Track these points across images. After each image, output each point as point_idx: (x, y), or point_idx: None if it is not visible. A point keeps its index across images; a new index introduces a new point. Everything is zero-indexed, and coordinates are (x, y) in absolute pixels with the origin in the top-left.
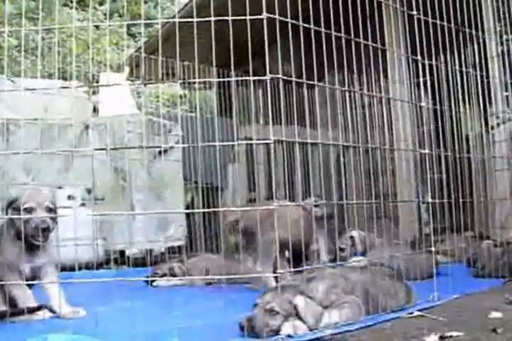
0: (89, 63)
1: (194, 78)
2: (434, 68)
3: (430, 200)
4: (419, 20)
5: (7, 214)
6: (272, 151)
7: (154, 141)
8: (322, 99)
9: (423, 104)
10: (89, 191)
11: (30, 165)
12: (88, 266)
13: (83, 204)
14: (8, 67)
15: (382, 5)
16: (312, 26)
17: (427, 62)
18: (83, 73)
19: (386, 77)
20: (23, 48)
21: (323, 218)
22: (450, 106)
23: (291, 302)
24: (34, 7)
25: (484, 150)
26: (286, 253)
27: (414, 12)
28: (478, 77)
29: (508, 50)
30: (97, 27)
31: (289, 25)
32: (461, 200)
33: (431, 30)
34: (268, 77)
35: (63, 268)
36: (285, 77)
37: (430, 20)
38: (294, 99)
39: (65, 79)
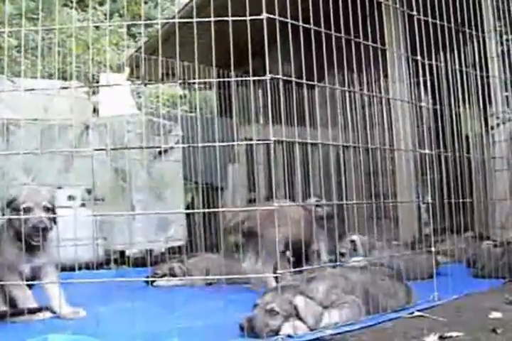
0: (89, 63)
1: (194, 78)
2: (434, 68)
3: (430, 200)
4: (419, 20)
5: (4, 214)
6: (272, 151)
7: (154, 141)
8: (322, 99)
9: (423, 103)
10: (89, 191)
11: (31, 166)
12: (88, 266)
13: (83, 205)
14: (8, 68)
15: (382, 5)
16: (312, 26)
17: (426, 61)
18: (83, 73)
19: (386, 76)
20: (23, 48)
21: (326, 218)
22: (450, 106)
23: (291, 302)
24: (34, 7)
25: (484, 151)
26: (287, 253)
27: (414, 12)
28: (478, 77)
29: (508, 50)
30: (97, 27)
31: (289, 25)
32: (461, 200)
33: (431, 30)
34: (268, 77)
35: (63, 269)
36: (285, 77)
37: (430, 20)
38: (294, 99)
39: (65, 79)
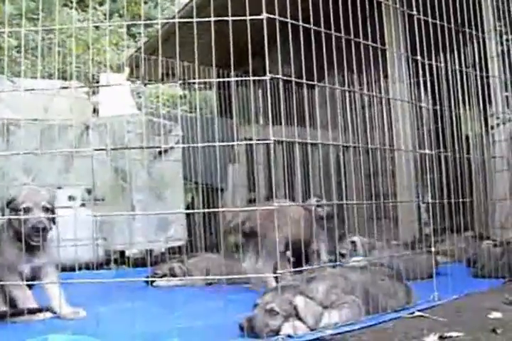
0: (89, 63)
1: (194, 78)
2: (434, 68)
3: (430, 200)
4: (419, 20)
5: (3, 214)
6: (272, 151)
7: (154, 142)
8: (322, 99)
9: (423, 104)
10: (89, 191)
11: (31, 166)
12: (88, 267)
13: (83, 205)
14: (8, 68)
15: (382, 5)
16: (312, 26)
17: (426, 62)
18: (83, 73)
19: (386, 77)
20: (23, 49)
21: (326, 218)
22: (450, 106)
23: (291, 302)
24: (34, 7)
25: (484, 151)
26: (287, 253)
27: (414, 12)
28: (478, 77)
29: (508, 50)
30: (96, 27)
31: (289, 25)
32: (460, 200)
33: (431, 30)
34: (268, 77)
35: (63, 269)
36: (285, 77)
37: (430, 20)
38: (294, 99)
39: (65, 79)
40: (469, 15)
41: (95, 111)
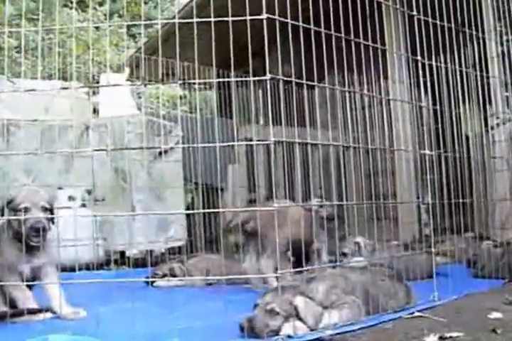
0: (89, 64)
1: (194, 79)
2: (434, 68)
3: (430, 201)
4: (419, 20)
5: (3, 214)
6: (272, 152)
7: (154, 142)
8: (322, 99)
9: (423, 104)
10: (89, 192)
11: (31, 166)
12: (88, 267)
13: (83, 205)
14: (9, 68)
15: (383, 5)
16: (312, 26)
17: (426, 62)
18: (83, 74)
19: (386, 77)
20: (23, 49)
21: (328, 219)
22: (450, 106)
23: (291, 302)
24: (34, 8)
25: (484, 151)
26: (288, 253)
27: (415, 12)
28: (478, 78)
29: (508, 51)
30: (97, 28)
31: (289, 25)
32: (461, 201)
33: (431, 31)
34: (268, 77)
35: (63, 269)
36: (285, 78)
37: (430, 20)
38: (294, 99)
39: (65, 79)
40: (469, 15)
41: (95, 111)
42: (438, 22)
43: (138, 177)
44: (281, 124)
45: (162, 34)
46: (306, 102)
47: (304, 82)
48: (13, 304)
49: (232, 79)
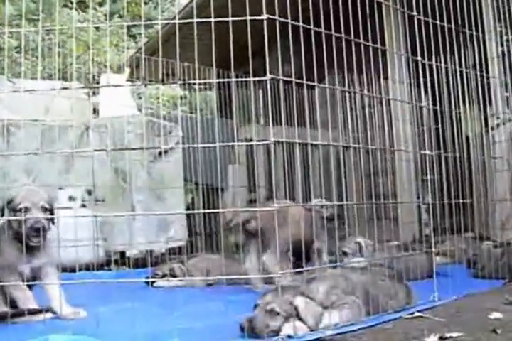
0: (89, 64)
1: (194, 79)
2: (434, 68)
3: (430, 201)
4: (419, 20)
5: (3, 214)
6: (272, 152)
7: (154, 142)
8: (322, 99)
9: (423, 104)
10: (89, 192)
11: (31, 167)
12: (88, 267)
13: (84, 205)
14: (9, 68)
15: (383, 5)
16: (312, 27)
17: (427, 62)
18: (83, 74)
19: (386, 77)
20: (23, 49)
21: (328, 219)
22: (450, 106)
23: (291, 303)
24: (34, 8)
25: (484, 151)
26: (289, 253)
27: (415, 13)
28: (479, 78)
29: (509, 51)
30: (97, 28)
31: (289, 25)
32: (461, 201)
33: (431, 31)
34: (268, 77)
35: (64, 269)
36: (285, 78)
37: (430, 20)
38: (294, 99)
39: (65, 80)
40: (469, 15)
41: (95, 111)
42: (438, 22)
43: (138, 178)
44: (281, 124)
45: (162, 34)
46: (306, 102)
47: (304, 82)
48: (13, 304)
49: (233, 79)
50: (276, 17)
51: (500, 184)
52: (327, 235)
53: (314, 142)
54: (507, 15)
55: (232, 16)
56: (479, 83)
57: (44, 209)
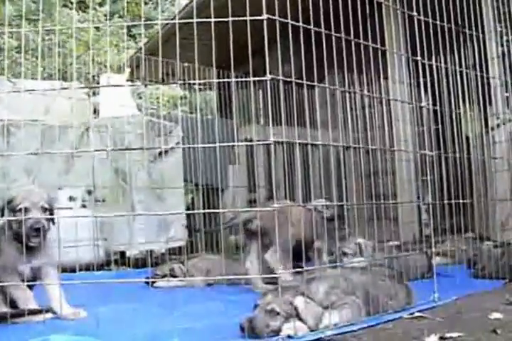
0: (89, 64)
1: (194, 79)
2: (434, 69)
3: (430, 201)
4: (419, 20)
5: (3, 214)
6: (272, 152)
7: (155, 142)
8: (322, 99)
9: (423, 104)
10: (89, 192)
11: (31, 167)
12: (89, 268)
13: (84, 206)
14: (9, 69)
15: (383, 5)
16: (312, 27)
17: (427, 62)
18: (83, 74)
19: (386, 77)
20: (23, 49)
21: (329, 219)
22: (450, 106)
23: (291, 303)
24: (34, 8)
25: (484, 151)
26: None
27: (414, 13)
28: (479, 78)
29: (509, 51)
30: (97, 28)
31: (289, 25)
32: (461, 201)
33: (431, 31)
34: (268, 77)
35: (64, 270)
36: (285, 78)
37: (430, 20)
38: (294, 99)
39: (65, 80)
40: (469, 16)
41: (95, 112)
42: (438, 22)
43: (138, 178)
44: (281, 124)
45: (162, 34)
46: (306, 102)
47: (304, 82)
48: (13, 304)
49: (233, 79)
50: (276, 17)
51: (500, 184)
52: (327, 235)
53: (314, 142)
54: (507, 16)
55: (232, 16)
56: (479, 83)
57: (44, 210)
